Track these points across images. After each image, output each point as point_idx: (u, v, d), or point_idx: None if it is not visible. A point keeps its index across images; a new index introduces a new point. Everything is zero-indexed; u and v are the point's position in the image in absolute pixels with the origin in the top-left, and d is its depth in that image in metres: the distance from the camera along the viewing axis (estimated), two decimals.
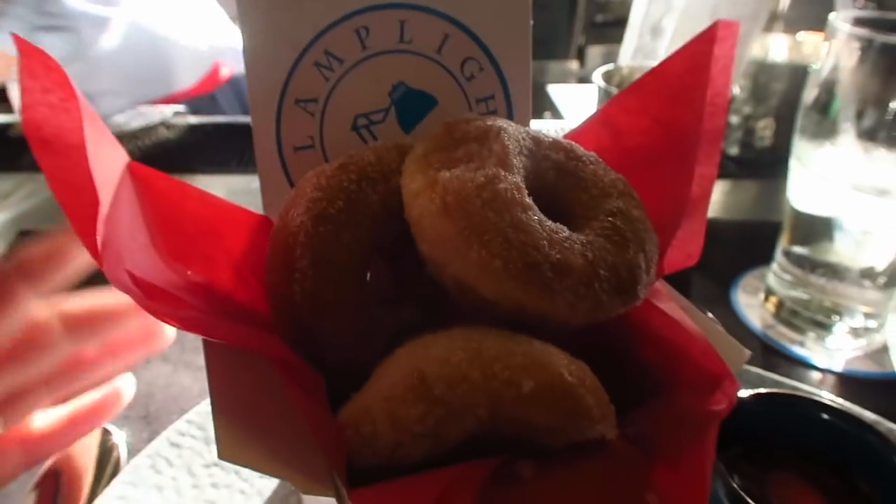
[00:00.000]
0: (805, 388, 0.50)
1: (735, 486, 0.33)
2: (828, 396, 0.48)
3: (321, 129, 0.33)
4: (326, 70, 0.32)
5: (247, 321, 0.25)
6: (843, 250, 0.55)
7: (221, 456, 0.20)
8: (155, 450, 0.38)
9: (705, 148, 0.34)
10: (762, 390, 0.40)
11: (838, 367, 0.57)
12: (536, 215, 0.25)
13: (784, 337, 0.60)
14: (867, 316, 0.57)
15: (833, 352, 0.58)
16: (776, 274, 0.62)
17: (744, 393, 0.40)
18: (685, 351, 0.28)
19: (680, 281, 0.68)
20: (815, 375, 0.56)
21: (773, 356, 0.58)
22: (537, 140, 0.29)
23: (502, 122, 0.28)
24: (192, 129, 1.07)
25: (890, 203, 0.52)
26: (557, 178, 0.29)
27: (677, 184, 0.34)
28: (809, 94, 0.54)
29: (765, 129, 0.94)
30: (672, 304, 0.33)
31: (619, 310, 0.26)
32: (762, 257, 0.67)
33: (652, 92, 0.36)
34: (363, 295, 0.27)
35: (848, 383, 0.55)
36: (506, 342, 0.23)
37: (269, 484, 0.37)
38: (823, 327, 0.59)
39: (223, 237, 0.31)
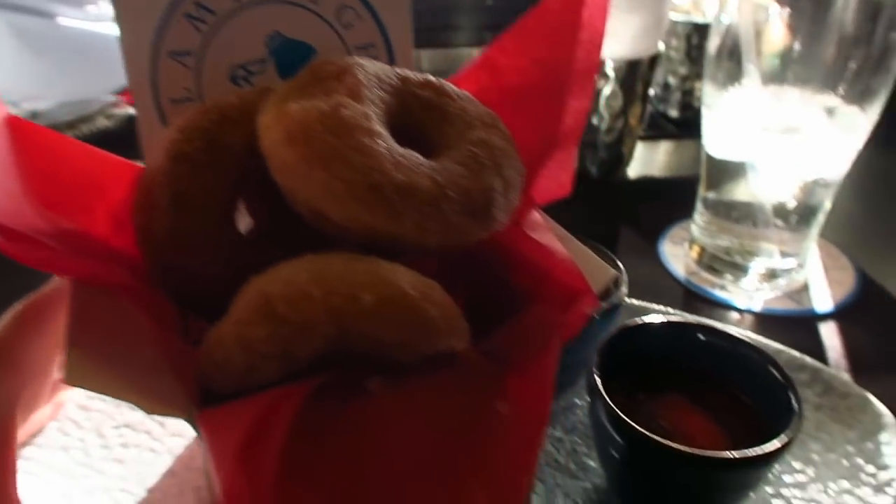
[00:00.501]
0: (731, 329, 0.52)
1: (612, 406, 0.35)
2: (736, 330, 0.49)
3: (199, 81, 0.33)
4: (198, 22, 0.32)
5: (108, 260, 0.26)
6: (755, 192, 0.57)
7: (67, 381, 0.21)
8: (63, 413, 0.39)
9: (579, 82, 0.35)
10: (651, 318, 0.41)
11: (757, 307, 0.58)
12: (385, 142, 0.25)
13: (706, 282, 0.61)
14: (784, 255, 0.59)
15: (752, 293, 0.60)
16: (697, 222, 0.63)
17: (635, 321, 0.41)
18: (549, 271, 0.29)
19: (610, 234, 0.70)
20: (735, 316, 0.58)
21: (695, 301, 0.60)
22: (405, 78, 0.30)
23: (364, 61, 0.29)
24: (132, 118, 1.06)
25: (797, 141, 0.54)
26: (423, 113, 0.30)
27: (550, 117, 0.34)
28: (713, 41, 0.55)
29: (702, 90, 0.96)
30: (545, 233, 0.34)
31: (477, 232, 0.27)
32: (691, 210, 0.69)
33: (529, 32, 0.36)
34: (228, 232, 0.27)
35: (766, 322, 0.57)
36: (351, 262, 0.23)
37: (180, 443, 0.38)
38: (741, 270, 0.60)
39: (106, 189, 0.31)
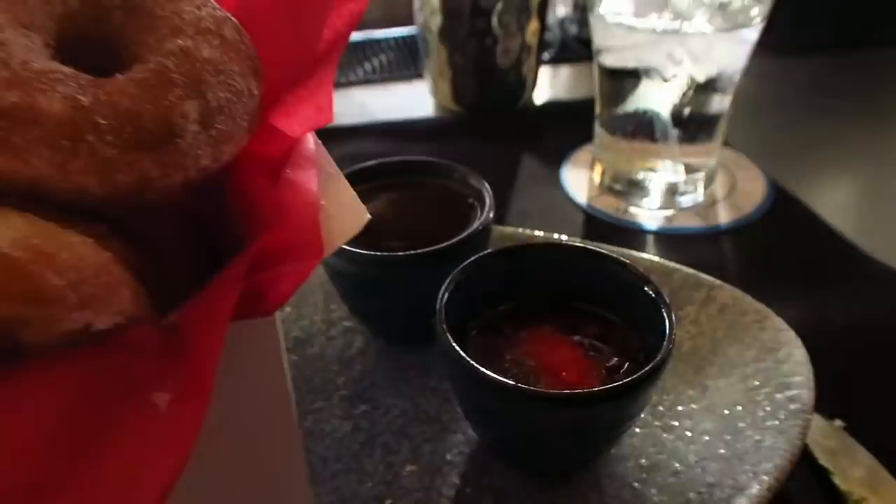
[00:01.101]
0: (620, 250, 0.47)
1: (453, 344, 0.29)
2: (615, 249, 0.45)
3: None
4: None
5: None
6: (649, 100, 0.51)
7: None
8: None
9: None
10: (515, 243, 0.36)
11: (661, 226, 0.54)
12: (7, 51, 0.19)
13: (609, 205, 0.56)
14: (688, 169, 0.54)
15: (655, 213, 0.55)
16: (596, 143, 0.58)
17: (494, 249, 0.35)
18: (281, 218, 0.24)
19: (510, 163, 0.64)
20: (638, 238, 0.53)
21: (596, 226, 0.55)
22: None
23: None
24: None
25: (687, 39, 0.48)
26: (125, 20, 0.23)
27: (309, 33, 0.29)
28: None
29: None
30: (301, 170, 0.28)
31: (163, 172, 0.21)
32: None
33: None
34: None
35: (669, 242, 0.52)
36: None
37: None
38: (642, 189, 0.55)
39: None
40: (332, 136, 0.69)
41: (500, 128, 0.70)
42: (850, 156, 0.63)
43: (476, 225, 0.38)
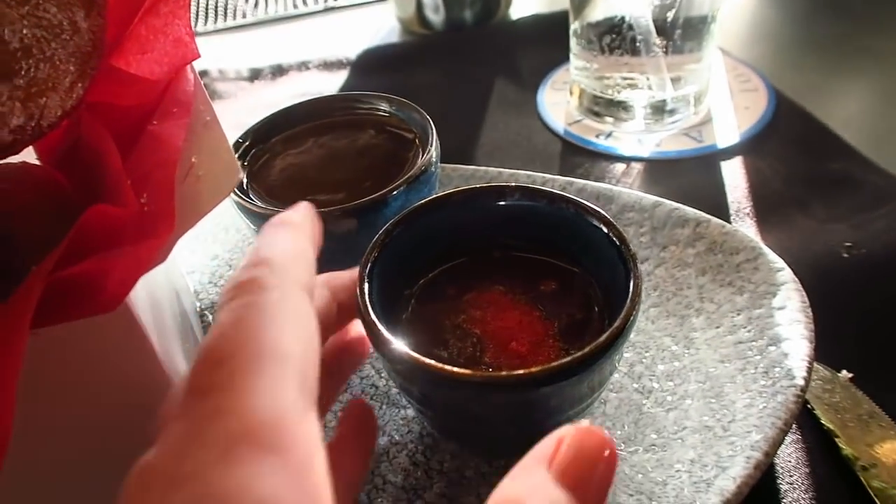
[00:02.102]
0: (594, 185, 0.41)
1: (374, 321, 0.24)
2: (615, 188, 0.39)
3: None
4: None
5: None
6: (627, 5, 0.44)
7: None
8: None
9: None
10: (457, 189, 0.30)
11: (646, 151, 0.47)
12: None
13: (589, 131, 0.50)
14: (676, 83, 0.47)
15: (641, 135, 0.49)
16: (572, 60, 0.51)
17: (428, 199, 0.30)
18: (122, 197, 0.19)
19: (483, 88, 0.58)
20: (620, 167, 0.47)
21: (573, 155, 0.49)
22: None
23: None
24: None
25: None
26: None
27: None
28: None
29: None
30: (176, 121, 0.23)
31: None
32: None
33: None
34: None
35: (656, 169, 0.46)
36: None
37: None
38: (625, 109, 0.49)
39: None
40: (280, 72, 0.62)
41: (469, 51, 0.63)
42: (865, 57, 0.56)
43: (414, 169, 0.33)
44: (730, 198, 0.43)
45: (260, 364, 0.15)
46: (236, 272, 0.17)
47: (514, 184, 0.30)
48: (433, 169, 0.33)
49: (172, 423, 0.14)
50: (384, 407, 0.33)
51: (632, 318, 0.24)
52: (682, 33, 0.45)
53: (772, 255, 0.33)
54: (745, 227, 0.41)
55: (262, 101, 0.60)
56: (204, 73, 0.63)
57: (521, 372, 0.22)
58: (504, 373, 0.22)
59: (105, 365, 0.23)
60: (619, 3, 0.44)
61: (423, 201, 0.29)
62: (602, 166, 0.47)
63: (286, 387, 0.15)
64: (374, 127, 0.37)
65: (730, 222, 0.41)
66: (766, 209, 0.42)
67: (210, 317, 0.39)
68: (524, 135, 0.52)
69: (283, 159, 0.36)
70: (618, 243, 0.27)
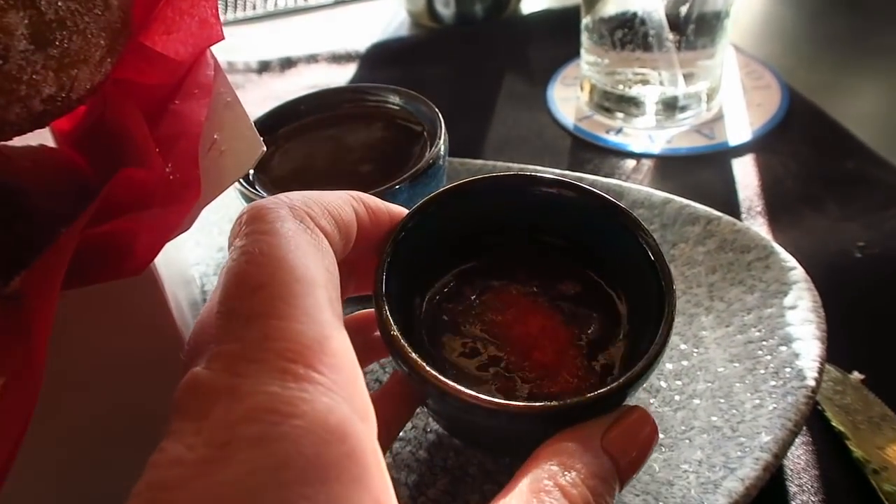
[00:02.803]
0: (604, 181, 0.40)
1: (396, 335, 0.23)
2: (625, 184, 0.38)
3: None
4: None
5: None
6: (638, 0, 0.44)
7: None
8: None
9: None
10: (470, 178, 0.29)
11: (657, 148, 0.47)
12: None
13: (599, 126, 0.50)
14: (688, 79, 0.47)
15: (652, 132, 0.48)
16: (583, 54, 0.50)
17: (444, 189, 0.29)
18: (150, 162, 0.19)
19: (492, 83, 0.57)
20: (630, 164, 0.46)
21: (585, 150, 0.48)
22: None
23: None
24: None
25: None
26: None
27: None
28: None
29: None
30: (197, 101, 0.23)
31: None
32: None
33: None
34: None
35: (667, 166, 0.46)
36: None
37: None
38: (637, 105, 0.48)
39: None
40: (289, 65, 0.62)
41: (479, 45, 0.63)
42: (880, 55, 0.55)
43: (421, 163, 0.32)
44: (741, 195, 0.42)
45: (296, 289, 0.16)
46: (250, 205, 0.18)
47: (548, 174, 0.29)
48: (441, 163, 0.33)
49: (220, 345, 0.15)
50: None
51: (666, 345, 0.23)
52: (694, 28, 0.44)
53: (784, 254, 0.33)
54: (757, 225, 0.40)
55: (270, 93, 0.59)
56: None
57: (555, 404, 0.21)
58: (538, 404, 0.22)
59: (127, 327, 0.23)
60: (632, 1, 0.44)
61: (438, 192, 0.28)
62: (612, 162, 0.47)
63: (323, 309, 0.16)
64: (383, 119, 0.37)
65: (741, 220, 0.41)
66: (777, 207, 0.41)
67: None
68: (534, 130, 0.51)
69: (290, 151, 0.35)
70: (653, 259, 0.25)
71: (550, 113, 0.52)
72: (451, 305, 0.28)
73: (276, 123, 0.36)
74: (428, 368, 0.22)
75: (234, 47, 0.68)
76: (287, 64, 0.63)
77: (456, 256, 0.29)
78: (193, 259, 0.42)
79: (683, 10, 0.43)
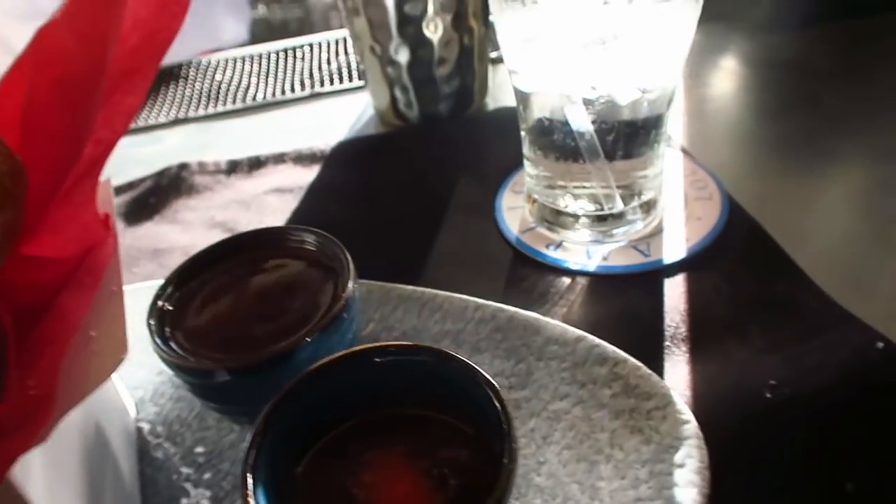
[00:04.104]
0: (523, 315, 0.41)
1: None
2: (543, 319, 0.39)
3: None
4: None
5: None
6: (571, 117, 0.44)
7: None
8: None
9: (127, 82, 0.25)
10: (338, 355, 0.30)
11: (592, 265, 0.48)
12: None
13: (540, 240, 0.50)
14: (624, 194, 0.47)
15: (589, 247, 0.49)
16: (525, 165, 0.52)
17: (313, 367, 0.30)
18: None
19: (444, 184, 0.59)
20: (566, 281, 0.47)
21: (523, 266, 0.49)
22: None
23: None
24: None
25: (611, 49, 0.41)
26: None
27: (77, 134, 0.25)
28: None
29: None
30: (80, 296, 0.24)
31: None
32: None
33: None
34: None
35: (600, 284, 0.46)
36: None
37: None
38: (574, 219, 0.49)
39: None
40: (257, 165, 0.65)
41: (441, 145, 0.64)
42: (829, 160, 0.55)
43: (322, 319, 0.33)
44: (667, 320, 0.43)
45: None
46: None
47: (393, 343, 0.31)
48: (345, 315, 0.34)
49: None
50: None
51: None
52: (628, 138, 0.45)
53: (681, 405, 0.33)
54: (680, 353, 0.41)
55: (236, 196, 0.62)
56: (185, 166, 0.65)
57: None
58: None
59: None
60: (558, 109, 0.45)
61: (314, 367, 0.29)
62: (548, 280, 0.47)
63: None
64: (300, 262, 0.38)
65: (664, 348, 0.41)
66: (702, 335, 0.41)
67: (149, 432, 0.40)
68: (478, 242, 0.52)
69: (205, 301, 0.37)
70: (499, 409, 0.27)
71: (497, 223, 0.53)
72: (328, 465, 0.29)
73: (194, 271, 0.38)
74: None
75: (208, 144, 0.71)
76: (256, 164, 0.65)
77: (338, 420, 0.30)
78: (135, 382, 0.43)
79: (617, 128, 0.44)
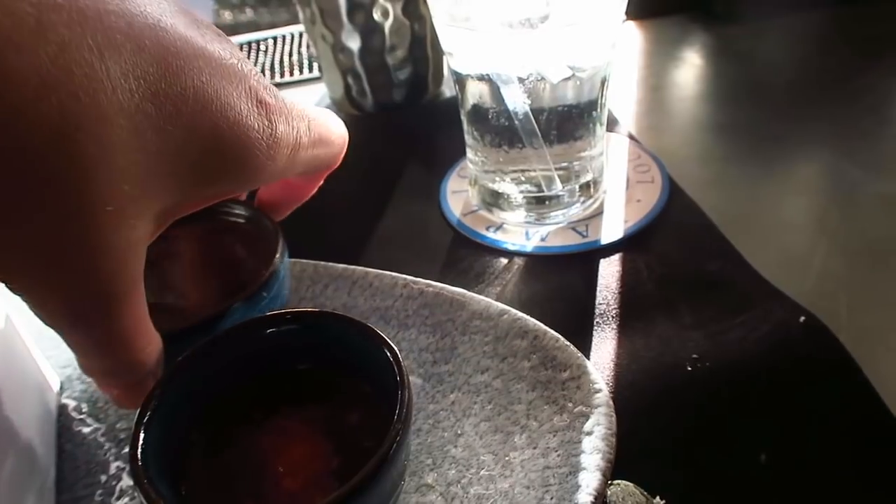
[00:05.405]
0: (450, 290, 0.41)
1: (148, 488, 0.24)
2: (470, 295, 0.39)
3: None
4: None
5: None
6: (507, 98, 0.45)
7: None
8: None
9: None
10: (235, 326, 0.30)
11: (530, 246, 0.48)
12: None
13: (481, 222, 0.50)
14: (563, 175, 0.48)
15: (530, 227, 0.49)
16: (468, 149, 0.52)
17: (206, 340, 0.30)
18: None
19: (394, 170, 0.59)
20: (503, 261, 0.47)
21: (463, 248, 0.49)
22: None
23: None
24: None
25: (541, 30, 0.41)
26: None
27: None
28: None
29: None
30: None
31: None
32: None
33: None
34: None
35: (537, 265, 0.46)
36: None
37: None
38: (511, 201, 0.49)
39: None
40: None
41: (394, 132, 0.64)
42: (772, 146, 0.56)
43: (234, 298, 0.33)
44: (599, 298, 0.43)
45: None
46: None
47: (290, 311, 0.30)
48: (265, 293, 0.34)
49: None
50: None
51: (388, 457, 0.24)
52: (564, 119, 0.45)
53: (594, 375, 0.33)
54: (608, 329, 0.41)
55: None
56: None
57: None
58: None
59: None
60: (497, 100, 0.45)
61: (197, 346, 0.29)
62: (486, 261, 0.47)
63: None
64: (231, 235, 0.38)
65: (594, 325, 0.41)
66: (632, 312, 0.41)
67: (73, 409, 0.40)
68: (421, 224, 0.52)
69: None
70: (393, 363, 0.27)
71: (440, 207, 0.53)
72: (224, 446, 0.29)
73: None
74: None
75: None
76: None
77: (240, 386, 0.30)
78: (64, 362, 0.43)
79: (552, 109, 0.44)
